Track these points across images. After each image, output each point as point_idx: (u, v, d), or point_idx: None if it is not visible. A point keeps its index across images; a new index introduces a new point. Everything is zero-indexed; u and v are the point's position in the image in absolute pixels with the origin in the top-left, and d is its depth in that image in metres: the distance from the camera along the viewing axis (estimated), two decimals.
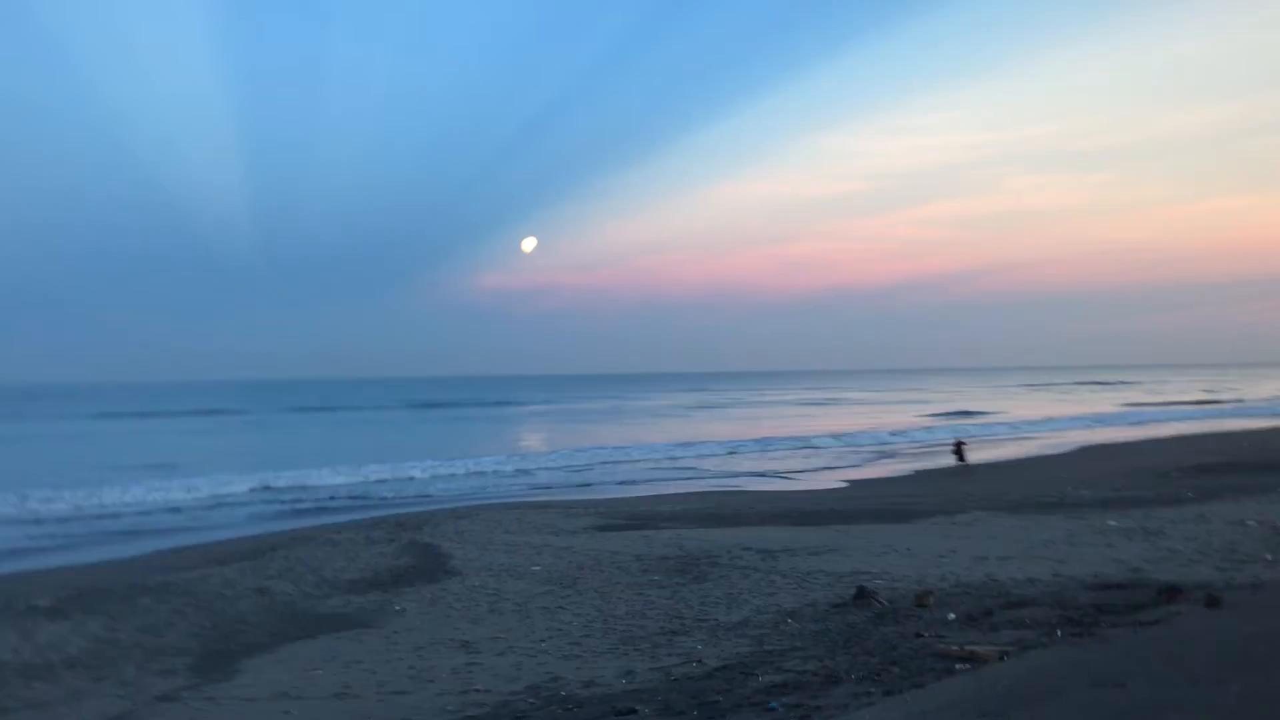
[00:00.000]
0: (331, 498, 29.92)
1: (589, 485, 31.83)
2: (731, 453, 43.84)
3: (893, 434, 53.86)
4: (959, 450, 33.88)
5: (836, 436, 51.69)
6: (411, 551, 18.27)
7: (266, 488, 32.52)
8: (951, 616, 11.12)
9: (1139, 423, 60.35)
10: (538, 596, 14.02)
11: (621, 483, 32.40)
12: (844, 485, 30.75)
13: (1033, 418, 68.10)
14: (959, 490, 25.72)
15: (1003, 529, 18.17)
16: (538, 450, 42.07)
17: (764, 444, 47.32)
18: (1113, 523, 18.08)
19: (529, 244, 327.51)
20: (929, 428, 59.78)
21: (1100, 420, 62.83)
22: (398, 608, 13.74)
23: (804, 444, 46.99)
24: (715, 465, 38.77)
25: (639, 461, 40.05)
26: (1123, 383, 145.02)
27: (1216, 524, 17.36)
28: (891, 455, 41.77)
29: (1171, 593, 10.83)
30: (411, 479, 34.05)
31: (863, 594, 12.38)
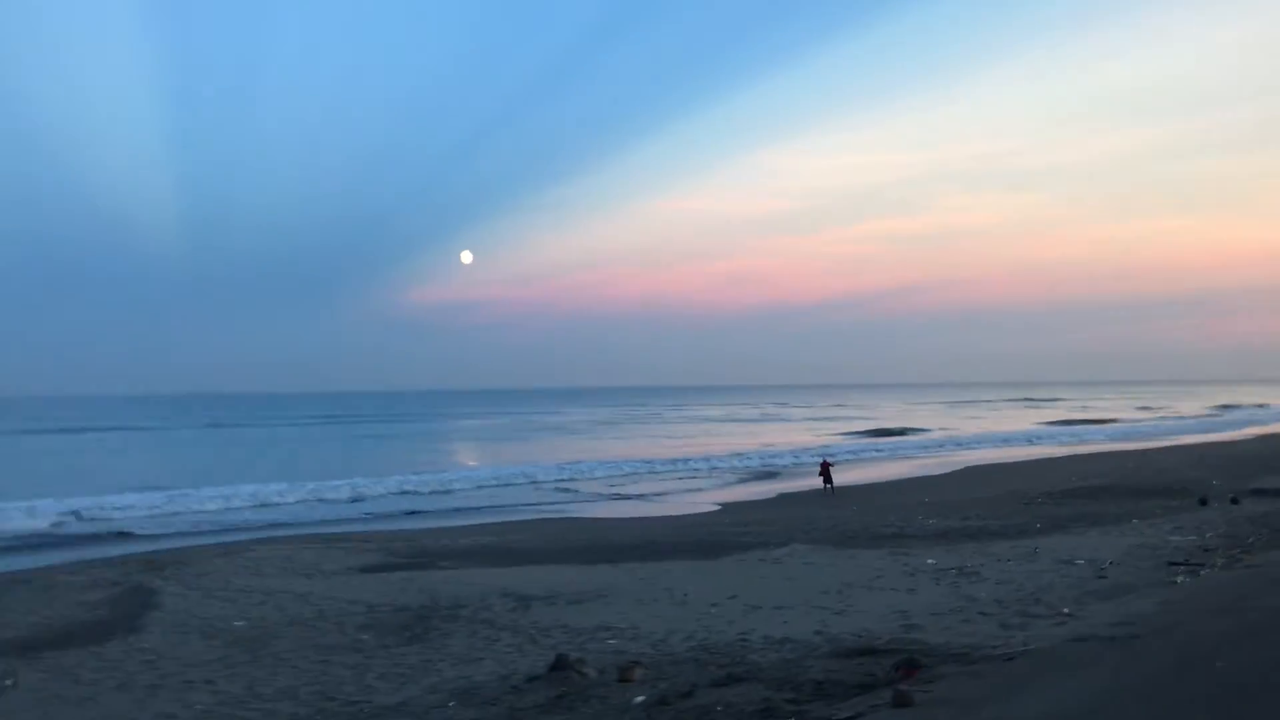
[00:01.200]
0: (121, 530, 26.80)
1: (415, 513, 29.14)
2: (612, 474, 41.43)
3: (794, 453, 51.92)
4: (825, 473, 31.87)
5: (734, 455, 49.52)
6: (120, 599, 15.50)
7: (76, 515, 29.33)
8: (640, 699, 8.80)
9: (1050, 441, 59.27)
10: (200, 665, 11.42)
11: (456, 509, 29.80)
12: (704, 510, 28.57)
13: (949, 435, 66.89)
14: (802, 517, 23.63)
15: (810, 568, 15.97)
16: (397, 472, 39.27)
17: (650, 464, 45.03)
18: (932, 561, 15.98)
19: (466, 258, 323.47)
20: (828, 446, 58.10)
21: (1010, 439, 61.62)
22: (8, 681, 11.02)
23: (692, 464, 44.73)
24: (587, 487, 36.41)
25: (500, 486, 37.35)
26: (1054, 400, 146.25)
27: (1043, 563, 15.34)
28: (773, 476, 39.78)
29: (908, 668, 8.63)
30: (227, 508, 30.87)
31: (561, 665, 10.01)
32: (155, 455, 59.30)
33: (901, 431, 72.72)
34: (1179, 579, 13.03)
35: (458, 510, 29.55)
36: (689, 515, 26.83)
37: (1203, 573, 13.46)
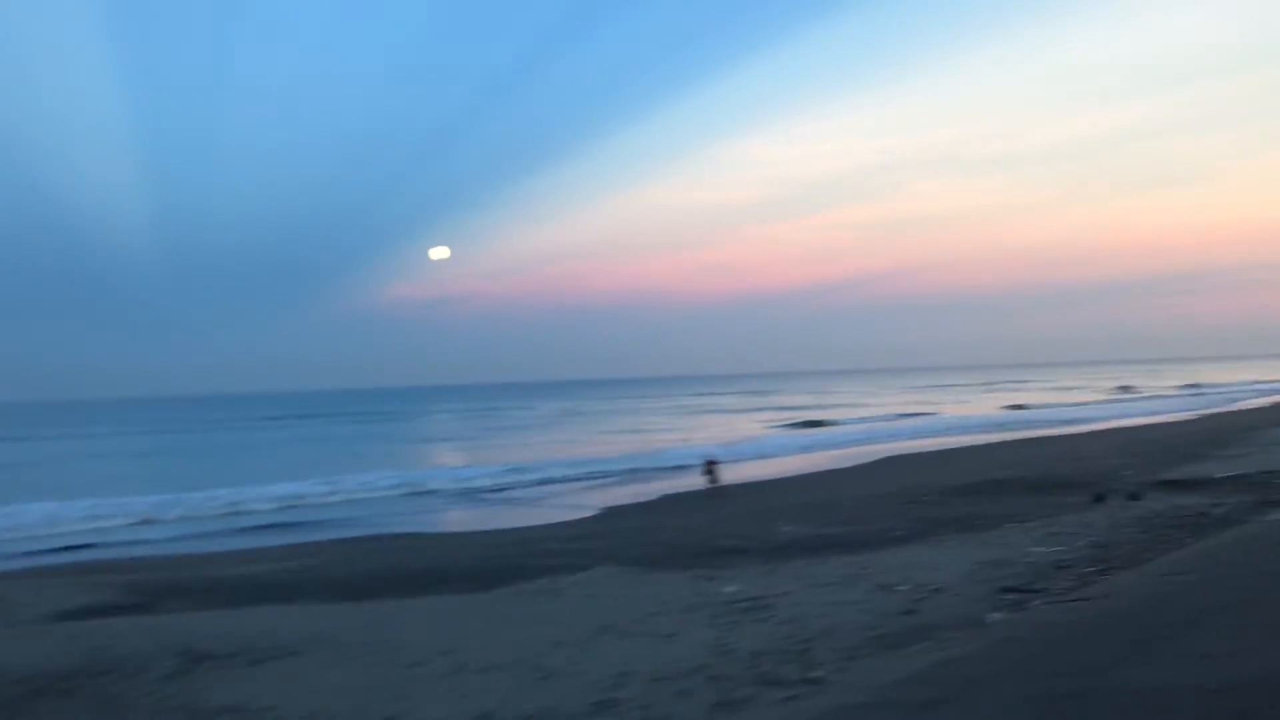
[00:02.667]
0: None
1: (245, 531, 26.07)
2: (519, 478, 37.98)
3: (722, 447, 48.84)
4: (710, 470, 29.09)
5: (657, 452, 46.51)
6: None
7: None
8: None
9: (992, 429, 56.75)
10: None
11: (293, 524, 26.76)
12: (571, 517, 25.81)
13: (888, 424, 64.43)
14: (648, 526, 20.88)
15: (587, 602, 13.10)
16: (311, 476, 36.06)
17: (570, 464, 41.47)
18: (731, 589, 13.16)
19: (440, 252, 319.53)
20: (758, 438, 55.47)
21: (951, 427, 59.05)
22: None
23: (609, 464, 41.39)
24: (480, 492, 33.30)
25: (384, 493, 34.17)
26: (1022, 382, 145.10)
27: (859, 589, 12.55)
28: (683, 470, 36.84)
29: None
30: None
31: None
32: (34, 468, 55.70)
33: (834, 422, 70.27)
34: (995, 615, 10.27)
35: (296, 525, 26.51)
36: (541, 526, 23.94)
37: (1032, 605, 10.71)
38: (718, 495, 28.02)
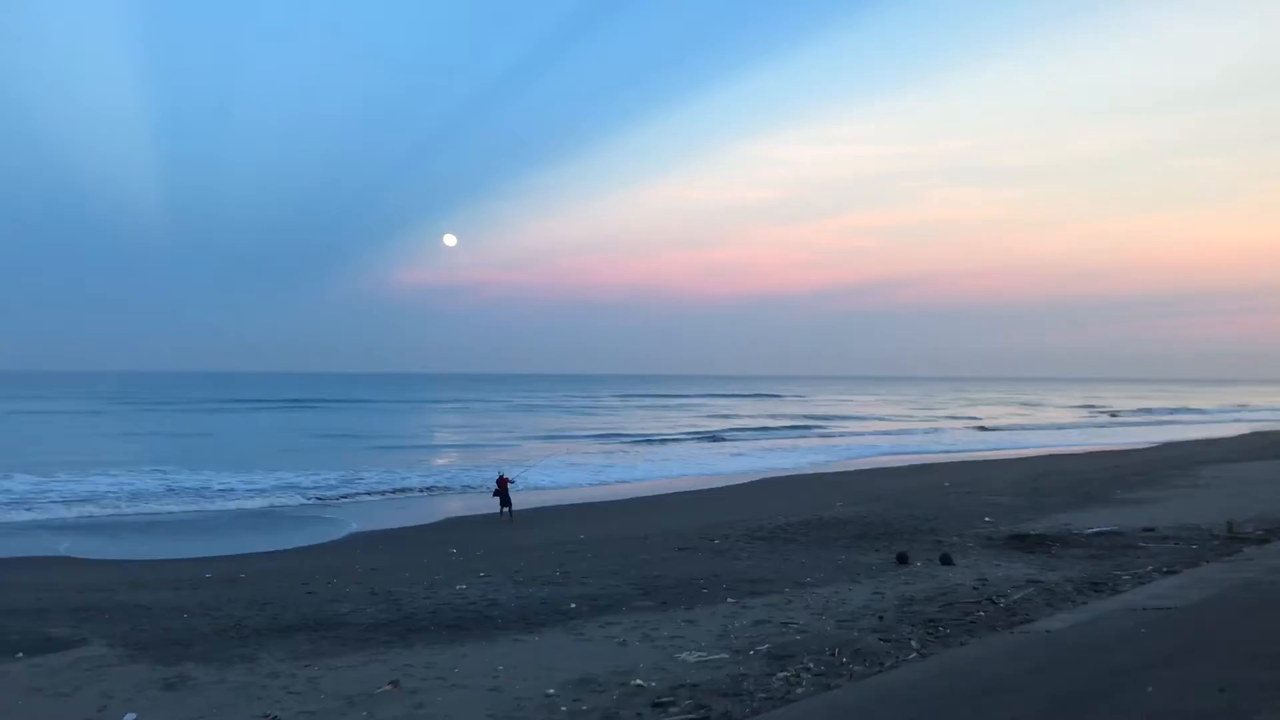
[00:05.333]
0: None
1: None
2: (348, 489, 32.78)
3: (563, 466, 43.82)
4: (502, 492, 24.13)
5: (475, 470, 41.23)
6: None
7: None
8: None
9: (909, 450, 51.77)
10: None
11: None
12: (299, 544, 20.71)
13: (811, 439, 59.43)
14: (333, 568, 15.85)
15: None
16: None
17: (365, 476, 35.55)
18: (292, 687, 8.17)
19: (449, 240, 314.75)
20: (682, 435, 50.49)
21: (868, 449, 53.81)
22: None
23: (427, 476, 35.61)
24: (267, 505, 28.23)
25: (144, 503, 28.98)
26: (1005, 397, 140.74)
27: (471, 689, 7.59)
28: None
29: None
30: None
31: None
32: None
33: (822, 424, 65.13)
34: None
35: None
36: (234, 557, 18.94)
37: None
38: (511, 520, 23.19)
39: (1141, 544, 17.02)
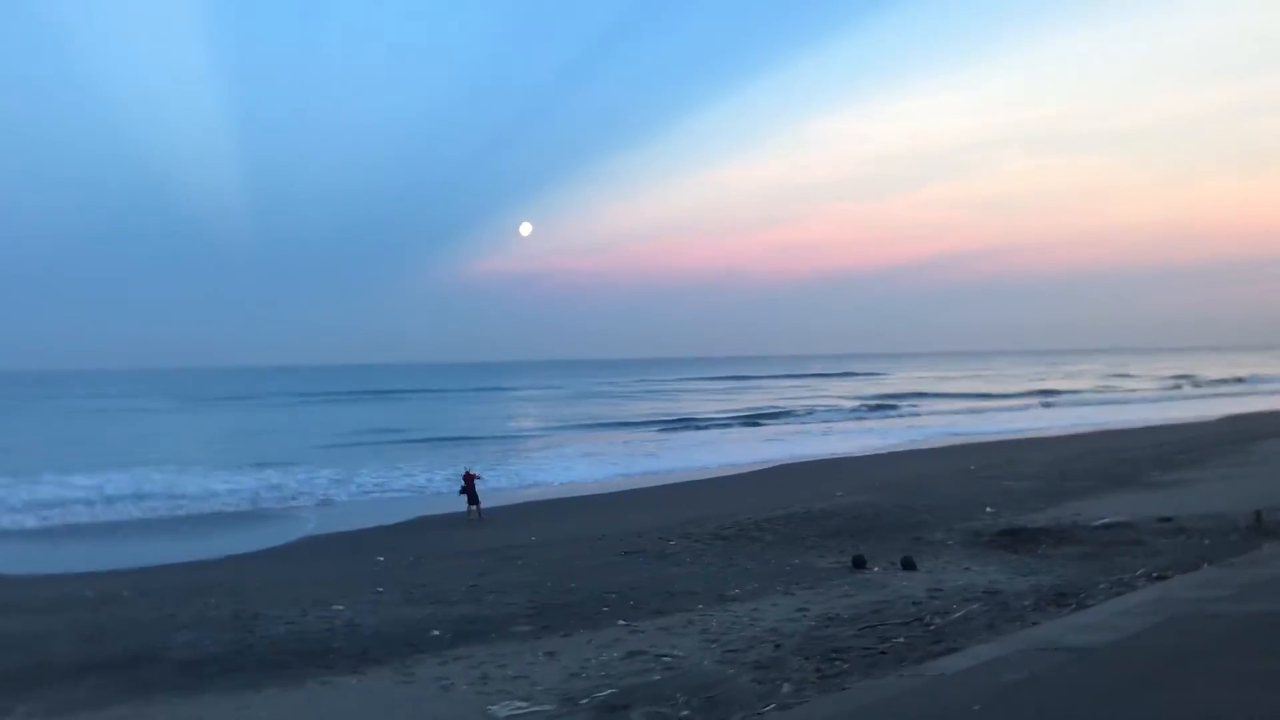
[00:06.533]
0: None
1: None
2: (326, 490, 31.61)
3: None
4: (469, 489, 22.57)
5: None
6: None
7: None
8: None
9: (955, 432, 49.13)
10: None
11: None
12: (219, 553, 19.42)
13: (863, 421, 57.02)
14: (259, 578, 14.45)
15: None
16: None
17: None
18: None
19: (525, 229, 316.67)
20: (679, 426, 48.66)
21: (913, 432, 51.40)
22: None
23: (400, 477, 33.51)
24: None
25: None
26: (1078, 370, 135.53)
27: None
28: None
29: None
30: None
31: None
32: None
33: (794, 412, 62.71)
34: None
35: None
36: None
37: None
38: (481, 521, 21.65)
39: (1149, 539, 14.74)
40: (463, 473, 23.42)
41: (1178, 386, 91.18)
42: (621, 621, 10.94)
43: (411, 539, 19.80)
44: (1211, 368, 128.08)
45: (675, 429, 54.87)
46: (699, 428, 55.75)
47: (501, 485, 28.21)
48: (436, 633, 10.86)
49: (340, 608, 12.47)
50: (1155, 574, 11.72)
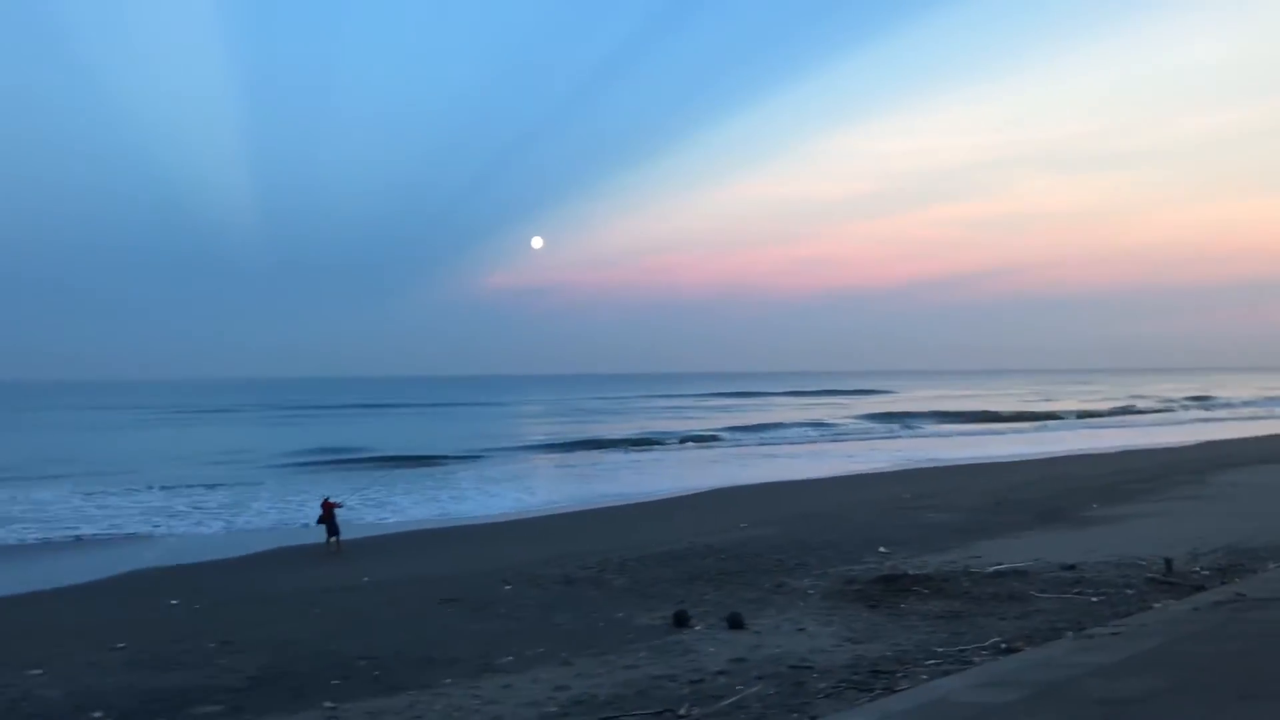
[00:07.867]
0: None
1: None
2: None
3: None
4: (328, 518, 20.46)
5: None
6: None
7: None
8: None
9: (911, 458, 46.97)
10: None
11: None
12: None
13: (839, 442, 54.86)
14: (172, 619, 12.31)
15: None
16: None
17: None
18: None
19: (536, 243, 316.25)
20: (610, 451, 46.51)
21: (904, 453, 49.26)
22: None
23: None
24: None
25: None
26: (1084, 388, 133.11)
27: None
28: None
29: None
30: None
31: None
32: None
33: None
34: None
35: None
36: None
37: None
38: (339, 552, 19.54)
39: (1035, 593, 12.61)
40: (323, 500, 21.27)
41: (1185, 408, 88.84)
42: (329, 703, 8.84)
43: (241, 576, 17.66)
44: (1231, 388, 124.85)
45: (639, 448, 52.71)
46: (665, 448, 53.57)
47: (401, 515, 26.15)
48: (98, 715, 8.76)
49: (37, 672, 10.37)
50: (1004, 644, 9.62)
